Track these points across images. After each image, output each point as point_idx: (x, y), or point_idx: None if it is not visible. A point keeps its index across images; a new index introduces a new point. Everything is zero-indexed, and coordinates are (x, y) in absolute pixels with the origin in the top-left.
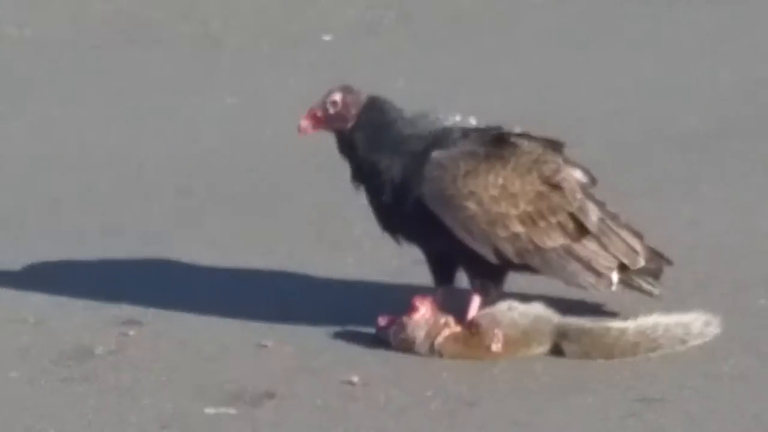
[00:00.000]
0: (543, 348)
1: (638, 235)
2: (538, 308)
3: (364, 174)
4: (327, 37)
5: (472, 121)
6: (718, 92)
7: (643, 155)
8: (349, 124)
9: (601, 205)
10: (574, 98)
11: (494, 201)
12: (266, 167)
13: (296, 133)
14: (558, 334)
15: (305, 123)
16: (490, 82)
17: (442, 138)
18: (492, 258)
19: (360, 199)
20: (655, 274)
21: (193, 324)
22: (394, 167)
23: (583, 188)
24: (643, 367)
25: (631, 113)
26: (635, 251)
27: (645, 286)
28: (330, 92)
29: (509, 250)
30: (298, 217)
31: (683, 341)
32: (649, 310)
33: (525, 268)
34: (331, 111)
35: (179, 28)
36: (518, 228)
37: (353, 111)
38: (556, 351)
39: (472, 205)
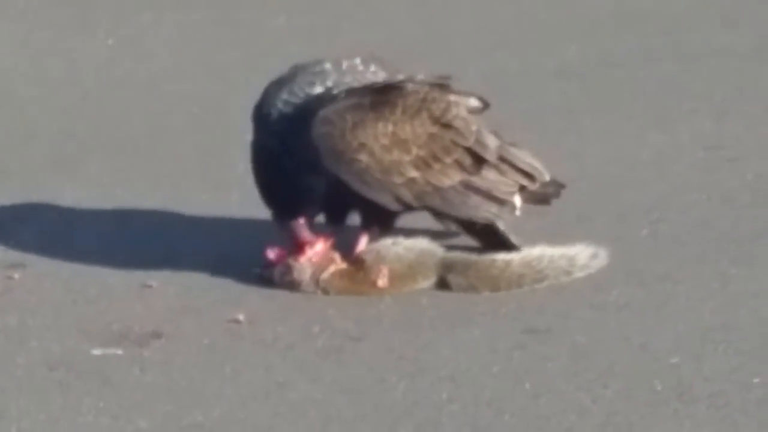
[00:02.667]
0: (429, 282)
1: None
2: (423, 242)
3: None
4: None
5: (372, 66)
6: (596, 24)
7: (522, 88)
8: None
9: (496, 132)
10: (454, 32)
11: (386, 150)
12: (147, 108)
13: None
14: (443, 268)
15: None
16: (370, 18)
17: (324, 99)
18: (392, 205)
19: (243, 138)
20: (551, 198)
21: (77, 266)
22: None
23: (477, 114)
24: (529, 298)
25: (509, 46)
26: (537, 169)
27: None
28: None
29: (407, 195)
30: (180, 157)
31: (568, 272)
32: (534, 243)
33: (425, 209)
34: None
35: None
36: (414, 173)
37: None
38: (442, 284)
39: (364, 157)
